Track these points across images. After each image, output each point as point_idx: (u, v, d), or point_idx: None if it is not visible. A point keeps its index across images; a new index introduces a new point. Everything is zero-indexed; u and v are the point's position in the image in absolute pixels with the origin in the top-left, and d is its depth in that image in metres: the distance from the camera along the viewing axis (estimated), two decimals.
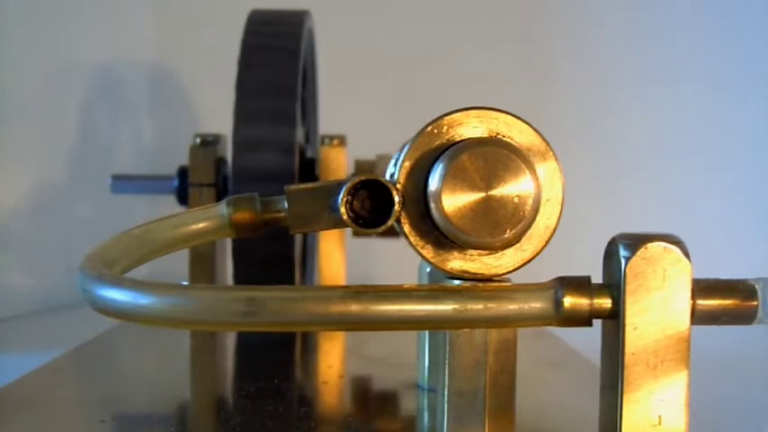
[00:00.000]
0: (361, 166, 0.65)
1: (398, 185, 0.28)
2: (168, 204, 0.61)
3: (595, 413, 0.29)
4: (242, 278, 0.54)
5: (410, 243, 0.28)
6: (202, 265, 0.60)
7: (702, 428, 0.31)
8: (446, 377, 0.29)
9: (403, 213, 0.28)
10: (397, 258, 0.57)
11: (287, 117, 0.53)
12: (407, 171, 0.28)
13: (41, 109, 0.83)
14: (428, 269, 0.39)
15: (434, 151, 0.28)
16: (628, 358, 0.27)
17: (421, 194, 0.28)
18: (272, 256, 0.53)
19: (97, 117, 0.90)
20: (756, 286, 0.27)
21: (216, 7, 0.94)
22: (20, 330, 0.76)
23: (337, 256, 0.65)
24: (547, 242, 0.28)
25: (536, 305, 0.27)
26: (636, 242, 0.27)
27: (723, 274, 0.28)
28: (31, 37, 0.81)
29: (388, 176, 0.33)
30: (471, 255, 0.28)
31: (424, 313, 0.26)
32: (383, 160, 0.61)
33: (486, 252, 0.28)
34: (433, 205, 0.27)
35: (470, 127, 0.28)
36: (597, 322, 0.28)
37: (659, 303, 0.27)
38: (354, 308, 0.26)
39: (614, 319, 0.27)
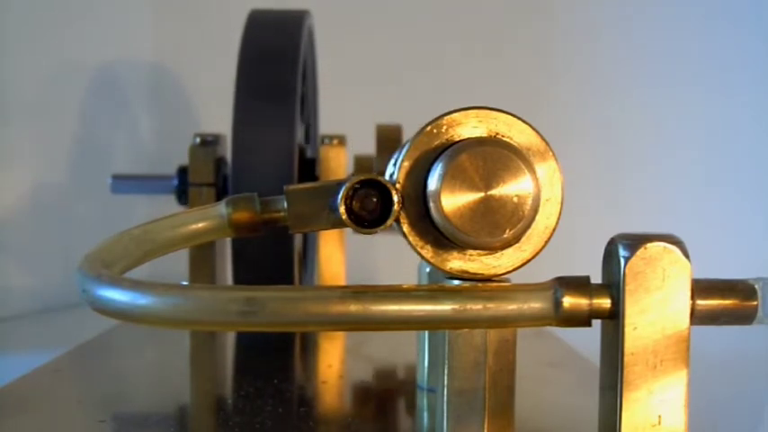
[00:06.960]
0: (360, 162, 0.65)
1: (398, 185, 0.28)
2: (168, 204, 0.61)
3: (595, 413, 0.29)
4: (242, 278, 0.54)
5: (409, 243, 0.28)
6: (202, 265, 0.60)
7: (702, 428, 0.31)
8: (446, 377, 0.29)
9: (402, 213, 0.28)
10: (397, 258, 0.57)
11: (286, 118, 0.53)
12: (407, 171, 0.28)
13: (41, 109, 0.83)
14: (428, 269, 0.39)
15: (434, 151, 0.28)
16: (627, 358, 0.27)
17: (420, 194, 0.28)
18: (271, 256, 0.53)
19: (97, 117, 0.90)
20: (756, 286, 0.27)
21: (216, 7, 0.94)
22: (20, 330, 0.76)
23: (337, 256, 0.65)
24: (546, 242, 0.28)
25: (535, 305, 0.27)
26: (635, 242, 0.27)
27: (723, 274, 0.28)
28: (32, 37, 0.81)
29: (387, 176, 0.33)
30: (471, 255, 0.28)
31: (423, 313, 0.26)
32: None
33: (486, 252, 0.28)
34: (432, 205, 0.27)
35: (470, 127, 0.28)
36: (597, 322, 0.28)
37: (659, 303, 0.27)
38: (354, 308, 0.26)
39: (614, 319, 0.27)
